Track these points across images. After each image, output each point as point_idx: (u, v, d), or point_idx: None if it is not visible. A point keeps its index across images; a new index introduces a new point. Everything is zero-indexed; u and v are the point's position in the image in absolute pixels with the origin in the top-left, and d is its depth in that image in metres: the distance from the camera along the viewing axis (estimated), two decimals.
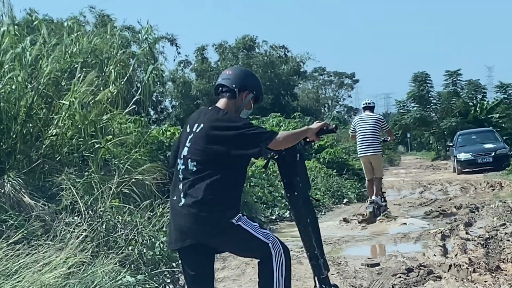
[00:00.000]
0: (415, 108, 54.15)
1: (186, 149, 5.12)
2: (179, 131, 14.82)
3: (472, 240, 10.76)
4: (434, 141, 59.94)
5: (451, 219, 13.89)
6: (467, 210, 15.06)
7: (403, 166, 45.73)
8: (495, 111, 52.74)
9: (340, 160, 22.59)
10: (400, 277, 8.09)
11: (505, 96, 55.56)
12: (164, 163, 12.99)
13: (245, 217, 5.10)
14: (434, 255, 9.40)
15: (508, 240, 10.32)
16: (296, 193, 5.61)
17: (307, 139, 5.59)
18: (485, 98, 55.70)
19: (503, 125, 50.92)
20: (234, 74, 5.44)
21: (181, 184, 5.06)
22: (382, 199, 15.45)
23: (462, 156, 30.19)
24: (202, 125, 5.12)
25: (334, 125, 5.69)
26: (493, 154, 29.76)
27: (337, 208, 17.95)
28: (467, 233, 11.58)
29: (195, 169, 5.02)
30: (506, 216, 13.58)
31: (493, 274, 7.77)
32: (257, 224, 5.19)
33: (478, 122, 48.69)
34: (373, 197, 15.13)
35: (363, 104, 15.85)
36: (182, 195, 5.02)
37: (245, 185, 14.52)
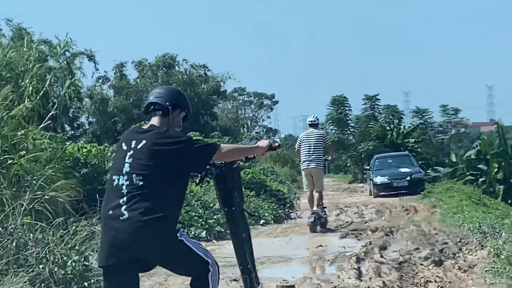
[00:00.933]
0: (333, 130, 54.61)
1: (127, 165, 5.19)
2: (95, 148, 14.62)
3: (387, 263, 10.85)
4: (351, 164, 60.56)
5: (366, 242, 13.98)
6: (382, 234, 15.21)
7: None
8: (411, 135, 53.64)
9: (258, 181, 22.57)
10: None
11: (421, 121, 56.65)
12: (79, 180, 12.80)
13: (185, 232, 5.24)
14: (349, 278, 9.45)
15: (422, 264, 10.45)
16: (233, 208, 5.76)
17: (250, 156, 5.73)
18: (402, 123, 56.61)
19: (419, 149, 51.84)
20: (166, 93, 5.59)
21: (124, 199, 5.09)
22: (323, 212, 16.81)
23: (379, 179, 30.55)
24: (144, 142, 5.24)
25: (277, 143, 5.84)
26: (408, 178, 30.21)
27: (254, 229, 17.87)
28: (381, 256, 11.67)
29: (141, 183, 5.11)
30: (420, 240, 13.75)
31: None
32: (196, 241, 5.36)
33: (395, 146, 49.42)
34: (314, 208, 16.48)
35: (308, 121, 17.12)
36: (124, 209, 5.05)
37: None
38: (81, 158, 13.66)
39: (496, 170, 43.41)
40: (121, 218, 5.05)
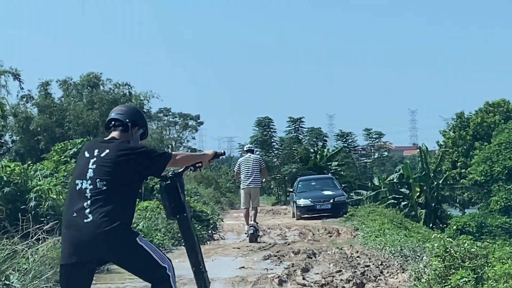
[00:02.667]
0: (257, 152, 54.71)
1: (91, 171, 5.69)
2: (19, 167, 14.33)
3: (309, 286, 10.91)
4: (275, 186, 60.75)
5: (289, 264, 14.00)
6: (305, 256, 15.24)
7: (243, 210, 45.97)
8: (334, 158, 54.25)
9: None
10: None
11: (345, 144, 57.33)
12: (1, 199, 12.55)
13: (145, 238, 5.72)
14: None
15: (343, 287, 10.49)
16: (185, 214, 6.24)
17: (197, 164, 6.34)
18: (325, 146, 57.17)
19: (342, 172, 52.44)
20: (127, 110, 6.18)
21: (88, 202, 5.57)
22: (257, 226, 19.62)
23: (302, 202, 30.61)
24: (107, 151, 5.78)
25: (223, 151, 6.60)
26: (331, 201, 30.33)
27: (177, 250, 17.76)
28: (303, 278, 11.70)
29: (104, 187, 5.62)
30: (342, 263, 13.83)
31: None
32: (154, 246, 5.86)
33: (318, 169, 49.85)
34: (252, 222, 19.35)
35: (246, 147, 21.32)
36: (88, 212, 5.53)
37: None
38: (4, 177, 13.36)
39: (418, 194, 44.19)
40: (85, 220, 5.51)
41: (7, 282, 8.09)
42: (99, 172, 5.69)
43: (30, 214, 12.35)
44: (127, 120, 6.07)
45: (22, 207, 12.86)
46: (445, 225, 42.64)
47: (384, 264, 13.37)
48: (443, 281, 8.38)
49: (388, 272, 12.43)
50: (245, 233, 20.07)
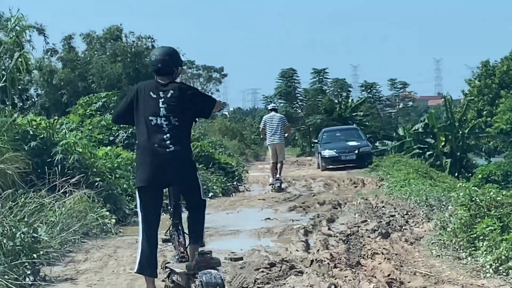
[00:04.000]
0: (282, 104, 54.54)
1: (163, 109, 6.70)
2: (45, 120, 14.40)
3: (334, 236, 10.92)
4: (299, 137, 60.59)
5: (314, 215, 14.06)
6: (330, 207, 15.30)
7: (268, 162, 45.92)
8: (359, 109, 53.92)
9: (206, 154, 22.46)
10: (262, 271, 8.10)
11: (370, 95, 56.98)
12: (28, 153, 12.64)
13: None
14: (297, 250, 9.50)
15: (369, 237, 10.53)
16: None
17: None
18: (350, 96, 56.87)
19: (367, 123, 52.19)
20: (171, 57, 7.00)
21: (167, 135, 6.64)
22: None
23: (327, 153, 30.53)
24: (172, 92, 6.79)
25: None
26: (356, 151, 30.21)
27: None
28: (329, 229, 11.75)
29: (177, 123, 6.70)
30: (367, 213, 13.85)
31: (353, 270, 7.89)
32: None
33: (343, 120, 49.59)
34: (277, 175, 21.02)
35: (270, 107, 23.20)
36: (169, 143, 6.62)
37: (110, 177, 14.32)
38: (30, 131, 13.44)
39: (443, 143, 43.91)
40: (167, 150, 6.62)
41: (35, 235, 8.18)
42: (170, 110, 6.72)
43: (56, 168, 12.47)
44: (174, 69, 6.98)
45: (48, 160, 12.95)
46: (470, 174, 42.37)
47: (409, 213, 13.39)
48: (469, 230, 8.39)
49: (413, 221, 12.45)
50: (270, 184, 21.43)
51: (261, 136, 23.52)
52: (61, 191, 11.00)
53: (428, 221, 12.12)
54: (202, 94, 7.21)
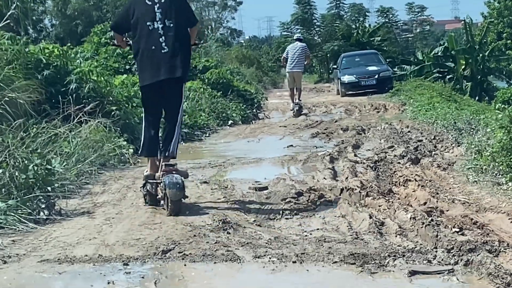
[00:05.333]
0: (298, 30, 53.72)
1: (158, 14, 7.40)
2: (58, 48, 13.87)
3: (361, 162, 10.46)
4: (317, 64, 59.91)
5: (338, 141, 13.60)
6: (354, 132, 14.83)
7: (286, 89, 45.30)
8: (377, 34, 53.12)
9: (225, 81, 21.94)
10: (290, 201, 7.65)
11: (387, 20, 56.07)
12: (41, 82, 12.21)
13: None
14: (324, 178, 9.04)
15: (399, 163, 10.05)
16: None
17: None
18: (367, 21, 56.03)
19: (385, 48, 51.33)
20: None
21: (163, 37, 7.37)
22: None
23: (346, 78, 29.93)
24: None
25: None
26: (376, 76, 29.60)
27: (222, 130, 17.45)
28: (355, 155, 11.27)
29: (172, 25, 7.42)
30: (393, 138, 13.39)
31: (387, 198, 7.43)
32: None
33: (361, 45, 48.74)
34: (297, 100, 21.76)
35: (295, 36, 24.59)
36: (165, 45, 7.37)
37: (127, 106, 13.88)
38: (43, 59, 12.95)
39: (463, 67, 43.18)
40: (162, 51, 7.38)
41: (49, 167, 7.73)
42: (165, 14, 7.43)
43: (71, 97, 12.03)
44: None
45: (62, 90, 12.50)
46: (491, 98, 41.74)
47: (437, 138, 12.89)
48: (509, 154, 7.88)
49: (442, 146, 11.96)
50: (291, 109, 21.91)
51: (283, 64, 23.62)
52: (75, 121, 10.53)
53: (458, 146, 11.64)
54: (189, 8, 7.96)
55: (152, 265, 5.47)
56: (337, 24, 53.01)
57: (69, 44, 18.16)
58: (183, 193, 7.23)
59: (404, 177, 8.58)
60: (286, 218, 7.00)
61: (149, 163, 7.78)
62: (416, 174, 8.74)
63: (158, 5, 7.42)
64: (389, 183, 8.66)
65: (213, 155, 12.79)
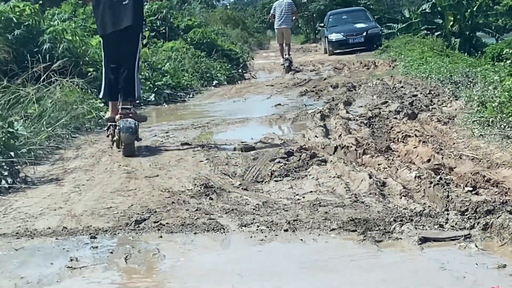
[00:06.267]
0: None
1: None
2: (29, 6, 13.04)
3: (354, 119, 9.76)
4: (303, 24, 59.01)
5: (329, 98, 12.88)
6: (344, 89, 14.07)
7: (272, 50, 44.51)
8: None
9: (209, 40, 21.10)
10: (279, 162, 6.96)
11: None
12: (12, 42, 11.48)
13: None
14: (316, 136, 8.32)
15: (395, 118, 9.33)
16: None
17: None
18: None
19: (371, 6, 50.45)
20: None
21: None
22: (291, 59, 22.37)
23: (334, 36, 29.11)
24: None
25: None
26: (364, 33, 28.80)
27: (206, 91, 16.69)
28: (347, 112, 10.56)
29: None
30: (386, 94, 12.68)
31: (385, 156, 6.73)
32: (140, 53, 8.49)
33: (347, 4, 47.76)
34: (286, 56, 22.18)
35: None
36: None
37: None
38: (14, 18, 12.15)
39: (451, 23, 42.48)
40: (123, 3, 7.93)
41: (11, 130, 6.98)
42: None
43: (44, 58, 11.30)
44: None
45: (35, 50, 11.75)
46: (480, 54, 41.05)
47: (432, 92, 12.18)
48: None
49: (439, 100, 11.26)
50: (281, 64, 22.32)
51: (270, 20, 24.81)
52: (45, 82, 9.77)
53: (456, 99, 10.95)
54: None
55: (124, 238, 4.79)
56: None
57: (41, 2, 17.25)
58: (136, 136, 7.91)
59: (402, 133, 7.85)
60: (276, 181, 6.28)
61: (110, 106, 8.37)
62: (416, 130, 8.01)
63: None
64: (386, 140, 7.98)
65: (196, 116, 12.05)
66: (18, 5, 12.70)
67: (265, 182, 6.26)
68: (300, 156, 7.04)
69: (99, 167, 7.38)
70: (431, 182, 5.23)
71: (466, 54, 39.85)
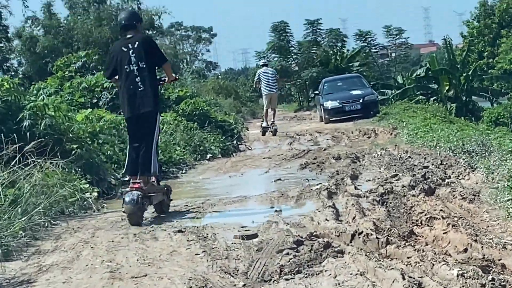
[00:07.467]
0: (276, 58, 52.29)
1: (133, 58, 8.71)
2: (8, 81, 12.12)
3: (365, 196, 8.81)
4: (296, 92, 58.48)
5: (332, 171, 11.96)
6: (348, 161, 13.16)
7: None
8: (355, 59, 51.89)
9: (201, 111, 20.21)
10: (288, 253, 5.94)
11: (365, 44, 54.73)
12: None
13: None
14: (326, 219, 7.30)
15: (414, 196, 8.35)
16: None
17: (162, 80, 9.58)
18: (345, 47, 54.64)
19: (364, 73, 49.98)
20: (130, 15, 9.22)
21: (138, 78, 8.68)
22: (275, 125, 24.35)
23: (329, 104, 28.34)
24: (137, 43, 8.78)
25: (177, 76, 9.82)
26: (361, 100, 28.07)
27: (200, 165, 15.73)
28: (356, 188, 9.60)
29: (145, 66, 8.70)
30: (394, 165, 11.76)
31: (414, 246, 5.73)
32: (159, 129, 9.29)
33: (339, 71, 47.33)
34: (272, 120, 24.33)
35: (261, 62, 26.92)
36: (141, 84, 8.69)
37: (91, 143, 12.32)
38: None
39: (447, 88, 41.99)
40: (139, 90, 8.68)
41: None
42: (139, 57, 8.72)
43: (22, 134, 10.40)
44: (134, 22, 9.05)
45: (15, 127, 10.83)
46: (477, 118, 40.41)
47: (444, 163, 11.29)
48: None
49: (453, 172, 10.36)
50: (262, 127, 24.77)
51: (256, 87, 26.86)
52: (22, 163, 8.80)
53: (473, 171, 10.05)
54: (157, 49, 9.23)
55: None
56: (315, 51, 51.70)
57: (19, 77, 16.40)
58: (138, 207, 8.28)
59: (425, 214, 6.89)
60: (286, 279, 5.29)
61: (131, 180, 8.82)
62: (440, 210, 7.04)
63: (132, 50, 8.75)
64: (407, 222, 7.02)
65: (190, 195, 11.08)
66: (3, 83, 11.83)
67: (273, 282, 5.26)
68: (312, 245, 6.04)
69: (79, 263, 6.37)
70: (482, 286, 4.24)
71: (463, 118, 39.38)
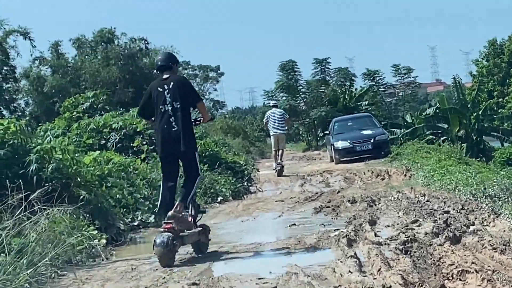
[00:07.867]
0: (284, 97, 52.14)
1: (168, 98, 8.99)
2: (14, 124, 11.78)
3: (386, 244, 8.39)
4: (304, 131, 58.23)
5: (348, 215, 11.56)
6: (364, 205, 12.75)
7: None
8: (363, 98, 51.73)
9: (211, 152, 19.87)
10: None
11: (373, 83, 54.60)
12: None
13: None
14: (349, 271, 6.87)
15: (440, 245, 7.92)
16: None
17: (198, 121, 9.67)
18: (353, 85, 54.52)
19: (373, 112, 49.76)
20: (166, 57, 9.53)
21: (172, 118, 8.95)
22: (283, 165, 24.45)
23: (340, 144, 27.99)
24: (172, 83, 9.05)
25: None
26: (372, 140, 27.75)
27: (211, 208, 15.32)
28: (376, 235, 9.17)
29: (179, 106, 8.99)
30: (413, 210, 11.33)
31: None
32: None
33: (348, 111, 47.20)
34: (279, 161, 24.27)
35: (272, 103, 26.79)
36: (175, 124, 8.95)
37: (99, 187, 11.96)
38: None
39: (457, 127, 41.65)
40: (173, 130, 8.94)
41: None
42: (174, 97, 8.98)
43: (29, 179, 10.06)
44: (170, 64, 9.29)
45: (20, 172, 10.48)
46: (488, 159, 39.97)
47: (466, 208, 10.86)
48: None
49: (476, 218, 9.94)
50: (273, 169, 24.54)
51: (265, 129, 28.17)
52: (28, 211, 8.42)
53: (497, 217, 9.64)
54: (192, 89, 9.36)
55: None
56: (323, 90, 51.62)
57: (26, 119, 16.09)
58: (168, 249, 8.34)
59: (456, 266, 6.46)
60: None
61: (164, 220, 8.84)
62: (472, 262, 6.61)
63: (167, 90, 9.01)
64: (434, 274, 6.59)
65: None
66: (2, 123, 11.48)
67: None
68: None
69: None
70: None
71: (474, 159, 38.97)
